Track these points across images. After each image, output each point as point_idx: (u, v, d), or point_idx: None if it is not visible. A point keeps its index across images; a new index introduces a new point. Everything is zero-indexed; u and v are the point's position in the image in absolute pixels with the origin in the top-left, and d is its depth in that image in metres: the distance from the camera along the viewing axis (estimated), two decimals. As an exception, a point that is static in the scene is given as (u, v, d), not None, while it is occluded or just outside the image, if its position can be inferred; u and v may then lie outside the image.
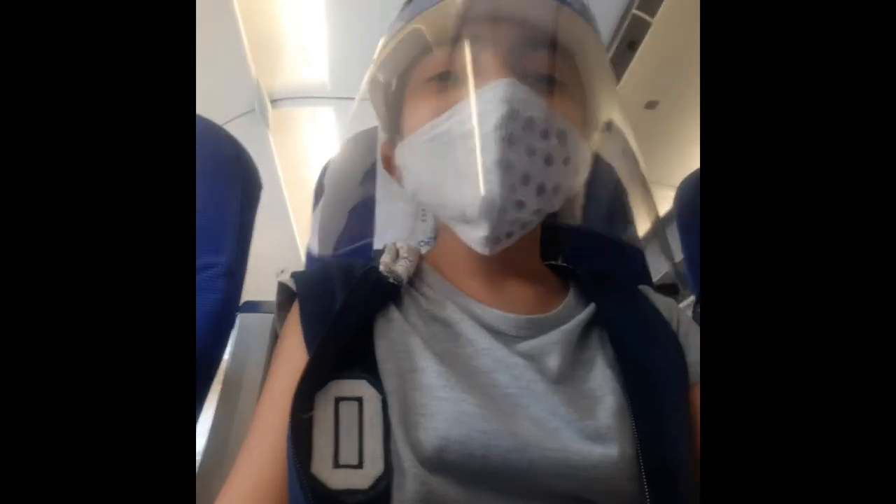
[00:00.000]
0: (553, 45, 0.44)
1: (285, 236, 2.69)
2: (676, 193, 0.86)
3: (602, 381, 0.43)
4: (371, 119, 0.63)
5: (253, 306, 0.62)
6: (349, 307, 0.42)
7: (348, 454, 0.36)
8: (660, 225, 0.48)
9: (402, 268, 0.46)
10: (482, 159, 0.39)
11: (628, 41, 1.64)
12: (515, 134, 0.39)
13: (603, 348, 0.46)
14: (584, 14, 0.45)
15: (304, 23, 1.69)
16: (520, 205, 0.41)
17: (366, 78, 0.51)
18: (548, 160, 0.41)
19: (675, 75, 1.81)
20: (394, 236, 0.50)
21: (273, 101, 1.94)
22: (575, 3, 0.44)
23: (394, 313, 0.44)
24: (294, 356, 0.43)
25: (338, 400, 0.39)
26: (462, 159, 0.40)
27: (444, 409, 0.38)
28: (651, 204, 0.49)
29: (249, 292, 0.65)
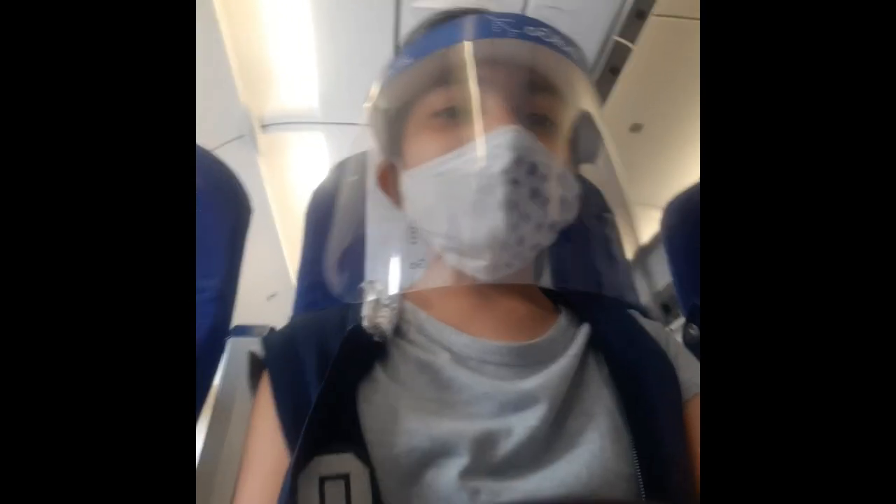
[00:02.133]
0: (549, 88, 0.47)
1: (275, 260, 2.68)
2: (663, 216, 0.87)
3: (598, 400, 0.43)
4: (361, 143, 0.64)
5: (243, 330, 0.62)
6: (330, 385, 0.40)
7: None
8: (640, 253, 0.50)
9: (385, 319, 0.45)
10: (489, 199, 0.42)
11: (610, 67, 1.68)
12: (520, 178, 0.42)
13: (598, 368, 0.46)
14: (575, 58, 0.47)
15: (292, 49, 1.71)
16: (520, 240, 0.44)
17: (369, 105, 0.53)
18: (546, 200, 0.44)
19: (658, 98, 1.85)
20: (385, 259, 0.50)
21: (263, 127, 1.95)
22: (567, 49, 0.47)
23: (378, 374, 0.42)
24: (268, 452, 0.41)
25: (322, 480, 0.36)
26: (469, 197, 0.43)
27: (441, 477, 0.37)
28: (634, 233, 0.51)
29: (240, 316, 0.65)
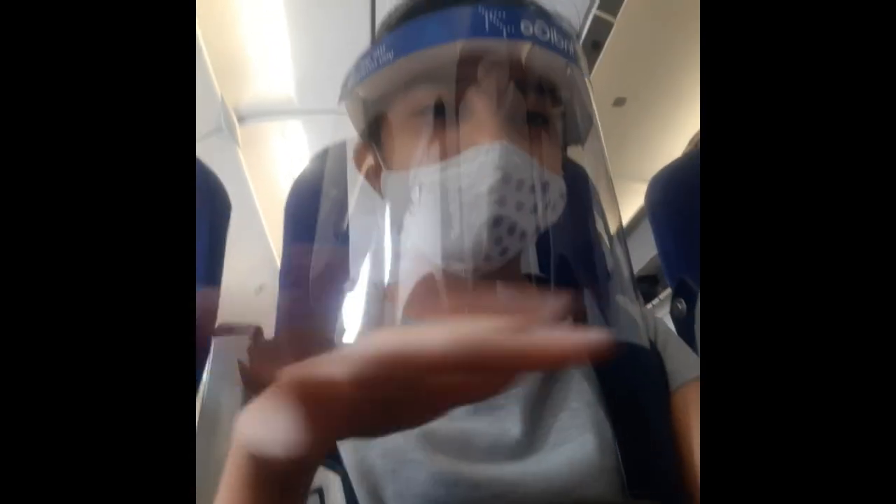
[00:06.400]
0: (543, 87, 0.45)
1: (261, 252, 2.66)
2: (647, 190, 0.87)
3: (579, 393, 0.43)
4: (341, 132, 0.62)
5: (228, 329, 0.61)
6: None
7: None
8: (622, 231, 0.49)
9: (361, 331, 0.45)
10: (473, 217, 0.41)
11: (592, 41, 1.66)
12: (507, 195, 0.41)
13: None
14: (571, 53, 0.45)
15: (266, 39, 1.67)
16: (504, 251, 0.43)
17: (346, 93, 0.50)
18: (532, 210, 0.43)
19: (641, 72, 1.84)
20: (368, 254, 0.49)
21: (240, 119, 1.92)
22: (563, 46, 0.45)
23: None
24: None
25: None
26: (454, 212, 0.42)
27: (419, 473, 0.36)
28: (616, 208, 0.50)
29: (228, 311, 0.64)
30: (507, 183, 0.41)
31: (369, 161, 0.51)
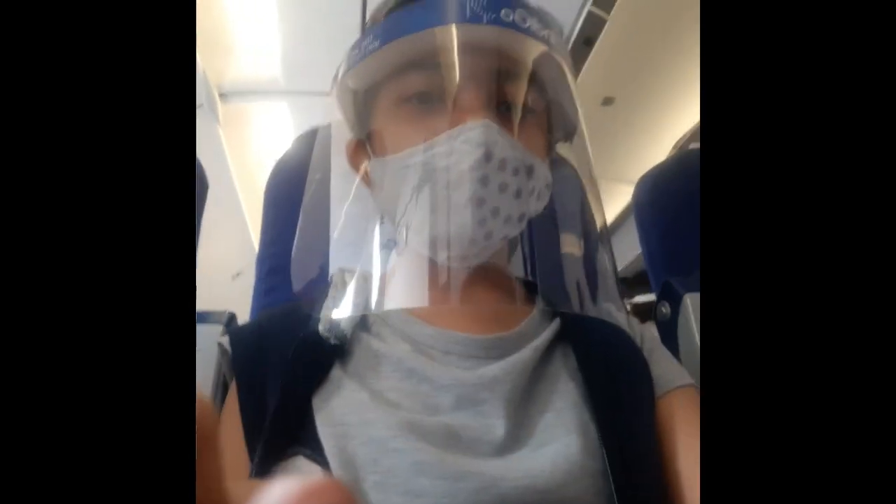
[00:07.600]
0: (524, 75, 0.46)
1: (240, 237, 2.61)
2: (635, 191, 0.87)
3: (565, 394, 0.43)
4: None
5: (201, 317, 0.59)
6: (285, 399, 0.41)
7: None
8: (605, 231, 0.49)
9: (345, 318, 0.45)
10: (456, 195, 0.41)
11: (584, 38, 1.65)
12: (489, 174, 0.41)
13: (565, 361, 0.46)
14: (552, 42, 0.46)
15: (254, 15, 1.63)
16: (488, 235, 0.43)
17: (336, 83, 0.50)
18: (516, 194, 0.43)
19: (632, 71, 1.84)
20: (352, 243, 0.48)
21: (222, 96, 1.87)
22: (544, 34, 0.45)
23: (335, 372, 0.43)
24: (230, 457, 0.41)
25: None
26: (437, 192, 0.42)
27: (401, 463, 0.36)
28: (600, 210, 0.50)
29: (205, 297, 0.62)
30: (488, 160, 0.40)
31: (359, 153, 0.51)
